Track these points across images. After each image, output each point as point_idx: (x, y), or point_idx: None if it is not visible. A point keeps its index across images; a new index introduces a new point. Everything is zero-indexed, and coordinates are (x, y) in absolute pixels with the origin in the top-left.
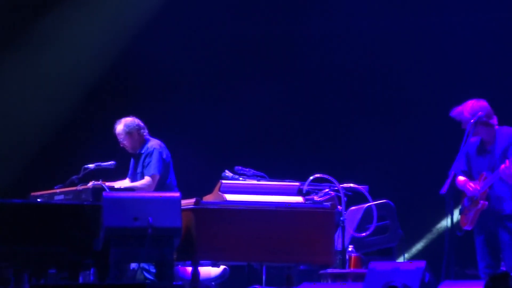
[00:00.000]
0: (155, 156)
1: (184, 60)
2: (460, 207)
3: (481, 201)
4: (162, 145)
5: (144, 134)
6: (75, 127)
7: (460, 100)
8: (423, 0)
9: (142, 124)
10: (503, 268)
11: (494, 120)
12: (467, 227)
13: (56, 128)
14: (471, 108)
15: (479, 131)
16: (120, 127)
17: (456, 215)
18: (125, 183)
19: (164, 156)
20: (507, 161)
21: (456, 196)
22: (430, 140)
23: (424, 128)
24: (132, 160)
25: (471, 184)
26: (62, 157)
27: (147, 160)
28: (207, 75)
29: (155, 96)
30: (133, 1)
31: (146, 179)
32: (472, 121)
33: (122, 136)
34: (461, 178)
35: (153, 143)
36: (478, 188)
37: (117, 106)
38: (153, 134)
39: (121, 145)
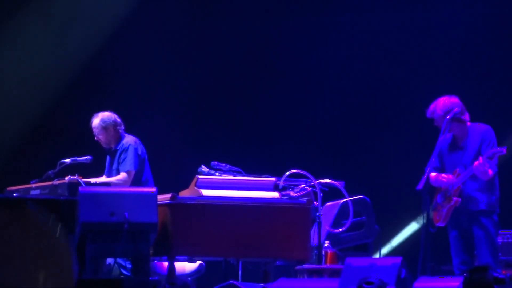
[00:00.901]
0: (130, 152)
1: (158, 53)
2: (433, 203)
3: (454, 198)
4: (138, 141)
5: (120, 130)
6: (51, 121)
7: (436, 96)
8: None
9: (119, 120)
10: (477, 264)
11: (466, 116)
12: (440, 223)
13: (32, 122)
14: (443, 105)
15: (452, 127)
16: (96, 121)
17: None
18: (101, 180)
19: (140, 152)
20: (480, 158)
21: (432, 192)
22: (406, 135)
23: (400, 123)
24: (108, 157)
25: (444, 175)
26: (38, 152)
27: (122, 156)
28: (185, 70)
29: (131, 91)
30: None
31: (122, 175)
32: (448, 117)
33: (97, 130)
34: (432, 174)
35: (128, 140)
36: (452, 178)
37: (94, 101)
38: (129, 129)
39: (96, 139)
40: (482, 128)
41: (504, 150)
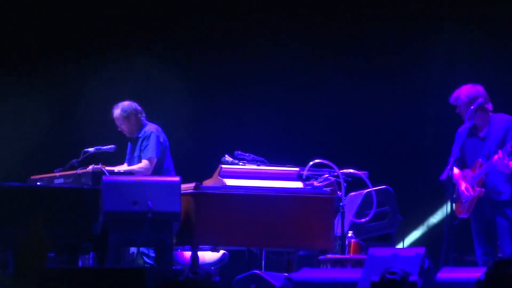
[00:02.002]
0: (152, 140)
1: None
2: (455, 195)
3: (478, 188)
4: (159, 129)
5: (142, 118)
6: (75, 110)
7: (459, 85)
8: None
9: (139, 108)
10: (501, 255)
11: (490, 106)
12: (463, 215)
13: (56, 111)
14: (468, 92)
15: (477, 117)
16: (117, 111)
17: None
18: (123, 168)
19: (161, 139)
20: (499, 152)
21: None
22: (430, 125)
23: (424, 113)
24: (129, 144)
25: (464, 189)
26: (62, 141)
27: (144, 144)
28: (208, 58)
29: (153, 79)
30: None
31: (144, 162)
32: (472, 107)
33: (119, 121)
34: (456, 171)
35: (150, 127)
36: (472, 193)
37: (114, 87)
38: (152, 118)
39: (119, 129)
40: (505, 118)
41: None
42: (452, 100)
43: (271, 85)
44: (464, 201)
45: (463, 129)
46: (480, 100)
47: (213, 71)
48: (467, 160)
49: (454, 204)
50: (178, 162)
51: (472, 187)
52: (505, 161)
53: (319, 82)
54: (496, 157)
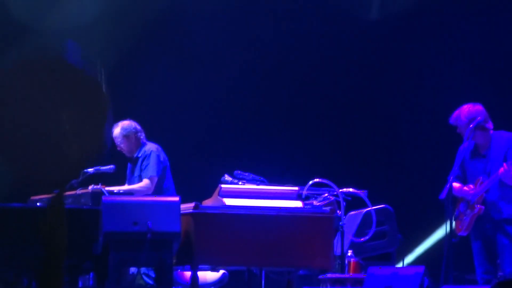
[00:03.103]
0: (152, 159)
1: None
2: (455, 212)
3: (478, 206)
4: (159, 148)
5: (141, 137)
6: None
7: (459, 104)
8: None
9: (139, 127)
10: (501, 273)
11: (490, 124)
12: (463, 233)
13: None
14: (468, 112)
15: (475, 135)
16: (117, 130)
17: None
18: (124, 188)
19: (162, 159)
20: (505, 164)
21: (455, 201)
22: (429, 144)
23: (423, 132)
24: (128, 165)
25: (466, 188)
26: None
27: (144, 163)
28: (207, 78)
29: (152, 99)
30: None
31: (145, 182)
32: (471, 126)
33: (119, 140)
34: (456, 184)
35: (150, 146)
36: (477, 189)
37: (116, 110)
38: (151, 138)
39: (118, 149)
40: (506, 135)
41: None
42: (452, 120)
43: (271, 105)
44: (468, 199)
45: (464, 147)
46: (479, 119)
47: (211, 90)
48: (469, 178)
49: (454, 221)
50: (178, 181)
51: (473, 204)
52: (511, 173)
53: (319, 101)
54: (502, 169)
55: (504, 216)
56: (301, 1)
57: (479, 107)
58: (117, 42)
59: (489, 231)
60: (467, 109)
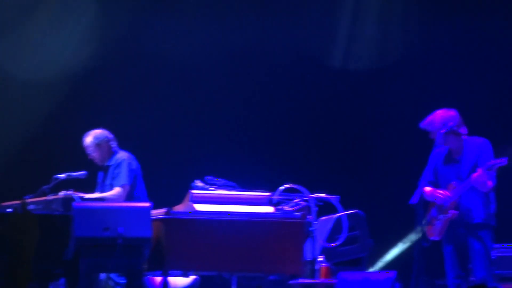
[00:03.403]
0: (124, 167)
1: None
2: (427, 217)
3: (451, 211)
4: (131, 156)
5: (113, 146)
6: (45, 136)
7: (430, 111)
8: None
9: (111, 136)
10: (472, 279)
11: (463, 130)
12: (435, 237)
13: (26, 137)
14: (441, 117)
15: (449, 141)
16: (89, 139)
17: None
18: (96, 195)
19: (133, 167)
20: (479, 169)
21: (427, 206)
22: (400, 150)
23: (394, 137)
24: (100, 173)
25: (440, 191)
26: (33, 167)
27: (116, 171)
28: (178, 84)
29: (123, 107)
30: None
31: (116, 190)
32: (442, 131)
33: (91, 148)
34: (427, 188)
35: (122, 155)
36: (449, 194)
37: (87, 117)
38: (122, 145)
39: (90, 157)
40: (478, 141)
41: (505, 160)
42: (425, 125)
43: (241, 110)
44: (440, 203)
45: (436, 152)
46: (451, 124)
47: (182, 96)
48: (441, 183)
49: (426, 227)
50: (149, 187)
51: (446, 209)
52: (485, 179)
53: (291, 107)
54: (476, 174)
55: (476, 221)
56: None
57: (452, 113)
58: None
59: (461, 236)
60: (440, 114)
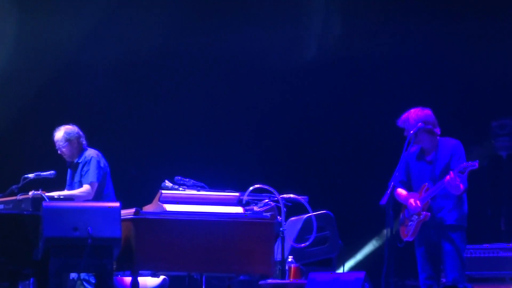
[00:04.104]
0: (93, 164)
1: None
2: (400, 217)
3: (423, 212)
4: (100, 154)
5: (83, 143)
6: (15, 135)
7: (401, 109)
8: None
9: (81, 132)
10: (443, 280)
11: (437, 130)
12: (409, 238)
13: None
14: (416, 115)
15: (422, 140)
16: (59, 134)
17: (398, 225)
18: (64, 193)
19: (102, 164)
20: (451, 172)
21: (396, 206)
22: (370, 150)
23: (364, 138)
24: (69, 170)
25: (412, 201)
26: (2, 166)
27: (85, 169)
28: (141, 84)
29: (93, 105)
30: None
31: (85, 187)
32: (411, 132)
33: (61, 143)
34: (401, 191)
35: (91, 152)
36: (420, 205)
37: (56, 115)
38: (91, 143)
39: (59, 152)
40: (451, 142)
41: (476, 164)
42: (400, 122)
43: (210, 110)
44: (412, 212)
45: (408, 152)
46: (420, 124)
47: (151, 95)
48: (413, 183)
49: (399, 227)
50: (118, 187)
51: (419, 211)
52: (457, 182)
53: (260, 106)
54: (448, 177)
55: (448, 222)
56: None
57: (428, 111)
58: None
59: (433, 237)
60: (415, 112)
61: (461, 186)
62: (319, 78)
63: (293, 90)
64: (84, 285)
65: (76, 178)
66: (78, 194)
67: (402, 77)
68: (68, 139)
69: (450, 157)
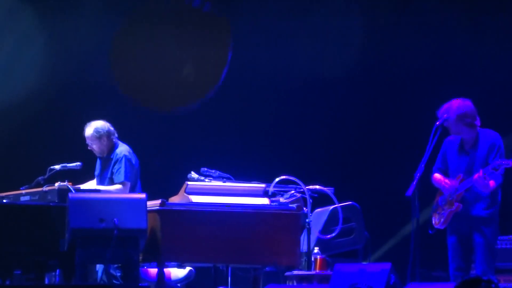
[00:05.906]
0: (124, 163)
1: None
2: (433, 205)
3: (456, 203)
4: (131, 150)
5: (114, 139)
6: (41, 127)
7: (425, 102)
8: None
9: (112, 129)
10: (473, 272)
11: (478, 121)
12: (440, 226)
13: (22, 128)
14: (457, 107)
15: (461, 131)
16: (89, 130)
17: (424, 216)
18: (93, 183)
19: (133, 162)
20: (480, 171)
21: (422, 198)
22: (396, 141)
23: (390, 129)
24: (99, 160)
25: (447, 181)
26: (28, 158)
27: (116, 167)
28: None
29: (118, 96)
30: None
31: (117, 186)
32: (437, 123)
33: (91, 140)
34: (437, 175)
35: (122, 149)
36: (455, 185)
37: (83, 106)
38: (119, 136)
39: (89, 148)
40: (491, 134)
41: (510, 162)
42: (441, 114)
43: (237, 102)
44: (445, 194)
45: (449, 141)
46: (446, 116)
47: (179, 87)
48: (450, 173)
49: (432, 214)
50: (144, 178)
51: (451, 201)
52: (486, 181)
53: (286, 98)
54: (476, 175)
55: (480, 215)
56: None
57: (468, 103)
58: None
59: (465, 228)
60: (457, 104)
61: (491, 183)
62: (347, 70)
63: (321, 81)
64: (110, 275)
65: (107, 174)
66: (114, 191)
67: (430, 70)
68: (98, 136)
69: (488, 151)
